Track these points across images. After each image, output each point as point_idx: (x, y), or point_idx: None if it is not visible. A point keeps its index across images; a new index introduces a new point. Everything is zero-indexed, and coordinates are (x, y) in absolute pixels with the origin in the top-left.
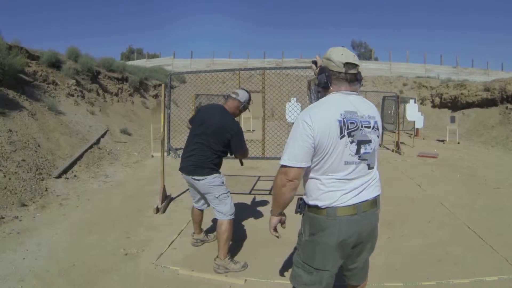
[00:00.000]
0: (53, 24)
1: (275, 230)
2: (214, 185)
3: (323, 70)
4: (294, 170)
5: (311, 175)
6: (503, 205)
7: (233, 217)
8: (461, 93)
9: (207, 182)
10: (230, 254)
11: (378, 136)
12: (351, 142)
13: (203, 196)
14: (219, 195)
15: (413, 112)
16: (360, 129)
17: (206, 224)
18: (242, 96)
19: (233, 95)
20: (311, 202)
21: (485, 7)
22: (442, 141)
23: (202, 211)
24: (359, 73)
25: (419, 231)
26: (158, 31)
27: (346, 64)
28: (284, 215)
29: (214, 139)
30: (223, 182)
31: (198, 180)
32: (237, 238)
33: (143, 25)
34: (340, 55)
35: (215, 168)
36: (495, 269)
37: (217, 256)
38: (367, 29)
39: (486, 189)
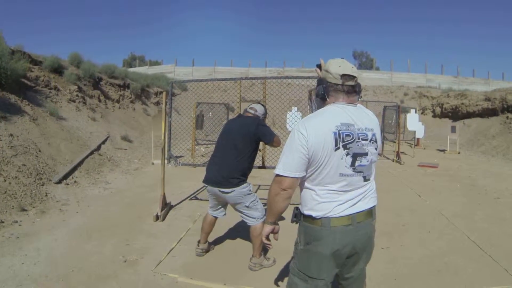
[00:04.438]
0: (56, 30)
1: (268, 239)
2: (244, 195)
3: (320, 82)
4: (288, 179)
5: (306, 185)
6: (503, 216)
7: (265, 218)
8: (462, 103)
9: (235, 194)
10: (263, 252)
11: (376, 149)
12: (347, 155)
13: (224, 205)
14: (249, 203)
15: (413, 122)
16: (357, 142)
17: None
18: (260, 110)
19: (251, 111)
20: (306, 212)
21: (486, 17)
22: (443, 151)
23: (216, 219)
24: (357, 84)
25: (419, 241)
26: (160, 39)
27: (343, 76)
28: (277, 224)
29: (240, 138)
30: (250, 190)
31: (227, 192)
32: (236, 247)
33: (145, 33)
34: (337, 67)
35: (242, 178)
36: (495, 279)
37: (252, 256)
38: (369, 39)
39: (487, 199)
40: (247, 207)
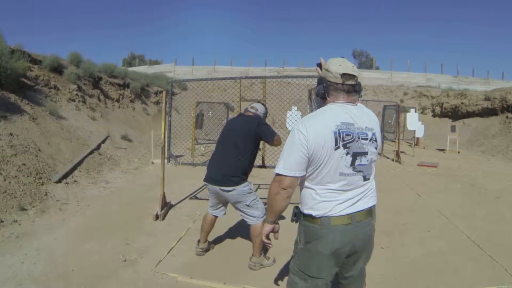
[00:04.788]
0: (55, 29)
1: (268, 238)
2: (245, 194)
3: (321, 81)
4: (288, 179)
5: (306, 184)
6: (503, 215)
7: (265, 217)
8: (462, 103)
9: (236, 192)
10: (263, 252)
11: (376, 148)
12: (347, 154)
13: (224, 204)
14: (250, 202)
15: (413, 121)
16: (357, 141)
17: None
18: (261, 110)
19: (252, 110)
20: (306, 211)
21: (486, 16)
22: (443, 150)
23: (216, 218)
24: (357, 84)
25: (419, 241)
26: (160, 38)
27: (344, 75)
28: (277, 223)
29: (241, 137)
30: (251, 189)
31: (228, 191)
32: (236, 246)
33: (145, 32)
34: (338, 66)
35: (243, 177)
36: (495, 279)
37: (252, 255)
38: (369, 38)
39: (486, 198)
40: (248, 206)
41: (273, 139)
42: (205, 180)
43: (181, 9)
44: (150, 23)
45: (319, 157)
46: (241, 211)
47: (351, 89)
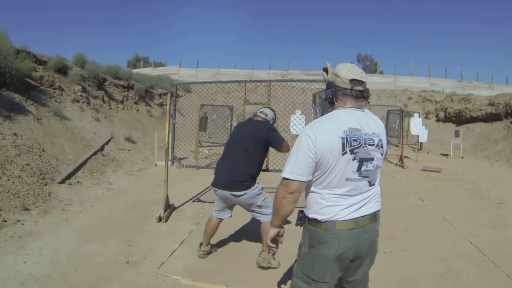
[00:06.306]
0: (61, 31)
1: (273, 241)
2: (255, 195)
3: (329, 85)
4: (295, 183)
5: (312, 188)
6: (506, 220)
7: None
8: (466, 108)
9: (247, 196)
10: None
11: (382, 154)
12: (353, 159)
13: (231, 207)
14: (261, 202)
15: (417, 126)
16: (363, 147)
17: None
18: (270, 115)
19: (261, 115)
20: (311, 215)
21: (491, 20)
22: (446, 155)
23: (220, 222)
24: (366, 90)
25: (421, 246)
26: (164, 40)
27: (352, 81)
28: (282, 227)
29: (251, 142)
30: (260, 190)
31: (239, 196)
32: (238, 249)
33: (149, 34)
34: (347, 72)
35: (252, 180)
36: (497, 284)
37: (262, 251)
38: (373, 42)
39: (490, 204)
40: (260, 206)
41: (282, 145)
42: (213, 185)
43: (185, 12)
44: (155, 25)
45: (326, 162)
46: (253, 211)
47: (359, 94)
